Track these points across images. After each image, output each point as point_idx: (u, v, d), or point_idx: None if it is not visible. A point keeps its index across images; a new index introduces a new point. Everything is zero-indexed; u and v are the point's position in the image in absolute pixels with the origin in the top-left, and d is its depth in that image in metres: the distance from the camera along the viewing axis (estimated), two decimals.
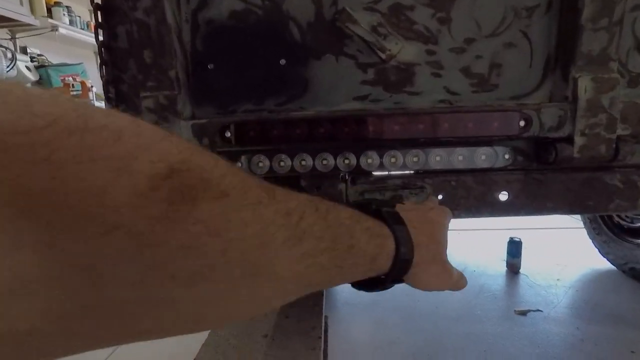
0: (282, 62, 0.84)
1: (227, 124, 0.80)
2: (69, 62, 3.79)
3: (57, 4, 3.62)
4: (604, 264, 2.41)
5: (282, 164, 0.84)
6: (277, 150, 0.84)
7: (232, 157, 0.87)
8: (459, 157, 0.82)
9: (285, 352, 0.97)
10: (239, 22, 0.82)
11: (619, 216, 2.34)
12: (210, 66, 0.85)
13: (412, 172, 0.87)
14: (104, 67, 0.86)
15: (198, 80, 0.86)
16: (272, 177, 1.01)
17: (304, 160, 0.84)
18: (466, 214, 0.87)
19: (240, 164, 0.87)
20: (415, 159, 0.82)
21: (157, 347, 1.68)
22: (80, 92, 3.36)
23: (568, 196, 0.85)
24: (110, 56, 0.86)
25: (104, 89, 0.87)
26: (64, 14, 3.65)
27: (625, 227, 2.29)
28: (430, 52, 0.81)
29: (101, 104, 3.63)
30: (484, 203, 0.86)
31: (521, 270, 2.39)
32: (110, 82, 0.86)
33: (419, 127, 0.77)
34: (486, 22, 0.80)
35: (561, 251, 2.70)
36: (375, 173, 0.88)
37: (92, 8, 0.85)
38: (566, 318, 1.87)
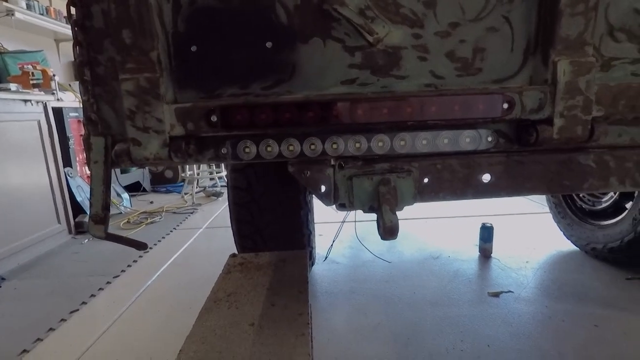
0: (269, 45, 0.82)
1: (212, 108, 0.78)
2: (27, 49, 3.56)
3: None
4: (568, 246, 2.54)
5: (269, 149, 0.83)
6: (264, 135, 0.83)
7: (218, 142, 0.85)
8: (445, 140, 0.83)
9: (274, 339, 0.97)
10: (223, 3, 0.80)
11: (581, 199, 2.47)
12: (193, 48, 0.82)
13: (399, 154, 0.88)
14: (77, 47, 0.81)
15: (181, 62, 0.83)
16: (260, 163, 0.99)
17: (292, 145, 0.83)
18: (451, 196, 0.89)
19: (225, 150, 0.85)
20: (402, 143, 0.83)
21: (136, 343, 1.64)
22: (42, 80, 3.17)
23: (546, 177, 0.89)
24: (85, 36, 0.81)
25: (77, 72, 0.82)
26: None
27: (587, 210, 2.43)
28: (416, 36, 0.82)
29: (64, 94, 3.44)
30: (469, 185, 0.89)
31: (493, 255, 2.49)
32: (85, 63, 0.81)
33: (407, 110, 0.78)
34: (470, 7, 0.81)
35: (530, 235, 2.83)
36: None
37: None
38: (535, 297, 1.96)
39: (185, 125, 0.79)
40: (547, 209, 2.74)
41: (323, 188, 0.88)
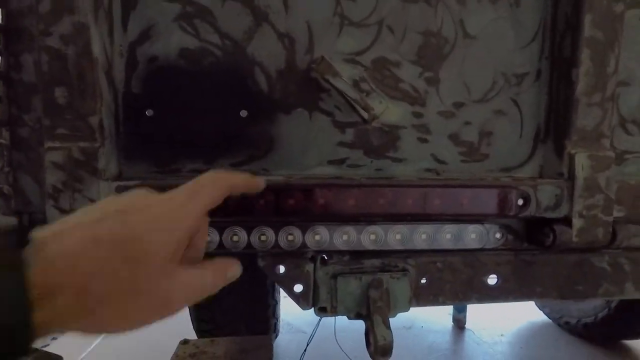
0: (243, 113, 0.68)
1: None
2: None
3: None
4: (541, 317, 2.47)
5: (235, 238, 0.66)
6: (229, 221, 0.67)
7: None
8: (447, 236, 0.71)
9: None
10: (192, 62, 0.66)
11: None
12: (148, 112, 0.67)
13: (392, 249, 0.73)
14: None
15: (132, 129, 0.67)
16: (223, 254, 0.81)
17: (264, 234, 0.67)
18: (452, 300, 0.75)
19: None
20: (398, 237, 0.69)
21: None
22: None
23: (557, 280, 0.78)
24: (9, 91, 0.64)
25: None
26: None
27: None
28: (417, 115, 0.72)
29: None
30: (472, 287, 0.75)
31: (467, 325, 2.37)
32: (5, 123, 0.64)
33: (408, 202, 0.65)
34: (476, 86, 0.73)
35: (502, 304, 2.74)
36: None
37: None
38: None
39: None
40: None
41: (299, 287, 0.71)
